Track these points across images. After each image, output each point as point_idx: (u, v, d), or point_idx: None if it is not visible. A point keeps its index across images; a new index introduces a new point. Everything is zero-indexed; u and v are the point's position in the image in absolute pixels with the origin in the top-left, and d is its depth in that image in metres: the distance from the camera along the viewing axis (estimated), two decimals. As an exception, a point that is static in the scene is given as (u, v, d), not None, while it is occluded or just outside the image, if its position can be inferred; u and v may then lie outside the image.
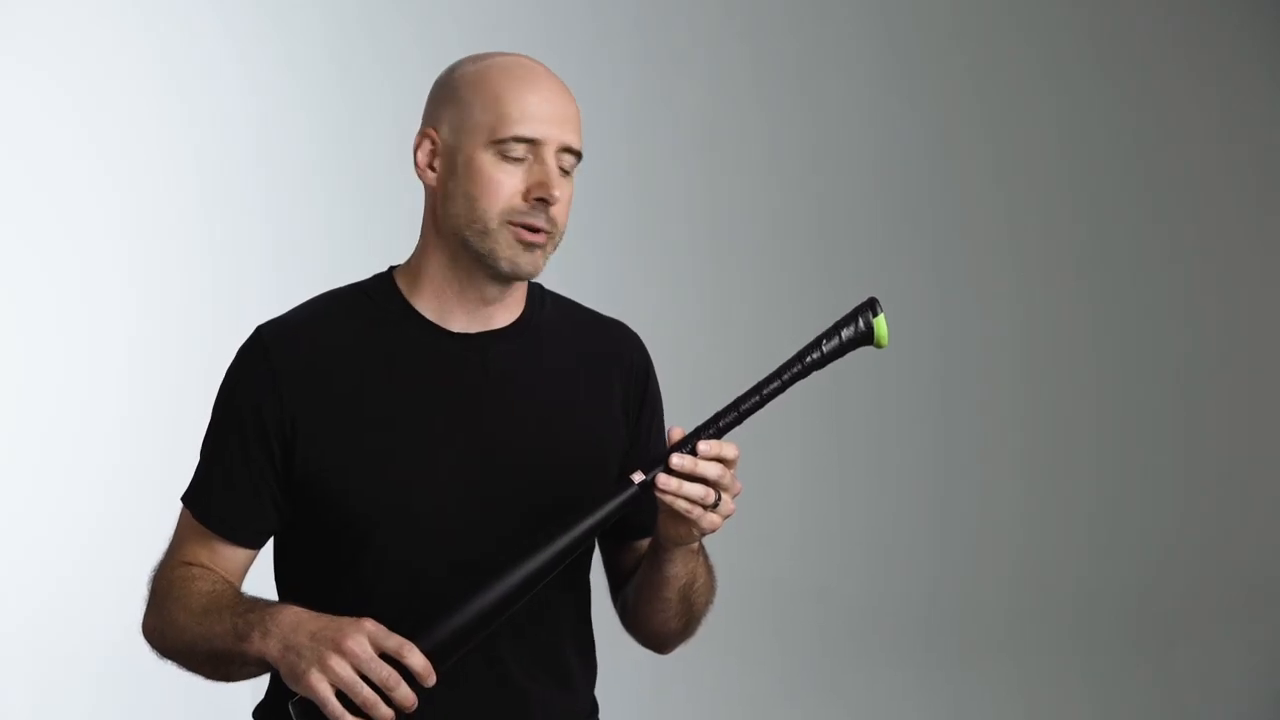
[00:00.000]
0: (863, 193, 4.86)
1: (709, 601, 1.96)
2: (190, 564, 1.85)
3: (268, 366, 1.84)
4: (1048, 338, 5.10)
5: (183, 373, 3.90)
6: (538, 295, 1.96)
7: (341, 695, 1.67)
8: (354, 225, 4.10)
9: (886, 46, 4.91)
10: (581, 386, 1.93)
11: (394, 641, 1.67)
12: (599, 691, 2.01)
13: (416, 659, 1.67)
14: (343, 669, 1.66)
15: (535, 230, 1.81)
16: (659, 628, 1.94)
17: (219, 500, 1.85)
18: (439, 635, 1.70)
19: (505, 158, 1.81)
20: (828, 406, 4.80)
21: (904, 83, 4.93)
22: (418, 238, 1.92)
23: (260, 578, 1.93)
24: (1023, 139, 5.09)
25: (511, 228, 1.81)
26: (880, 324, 1.80)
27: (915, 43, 4.95)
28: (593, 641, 2.00)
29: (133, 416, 3.90)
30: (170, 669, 1.88)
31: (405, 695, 1.67)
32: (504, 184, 1.81)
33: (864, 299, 1.82)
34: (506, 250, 1.82)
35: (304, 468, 1.82)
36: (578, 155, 1.86)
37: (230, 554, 1.86)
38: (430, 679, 1.68)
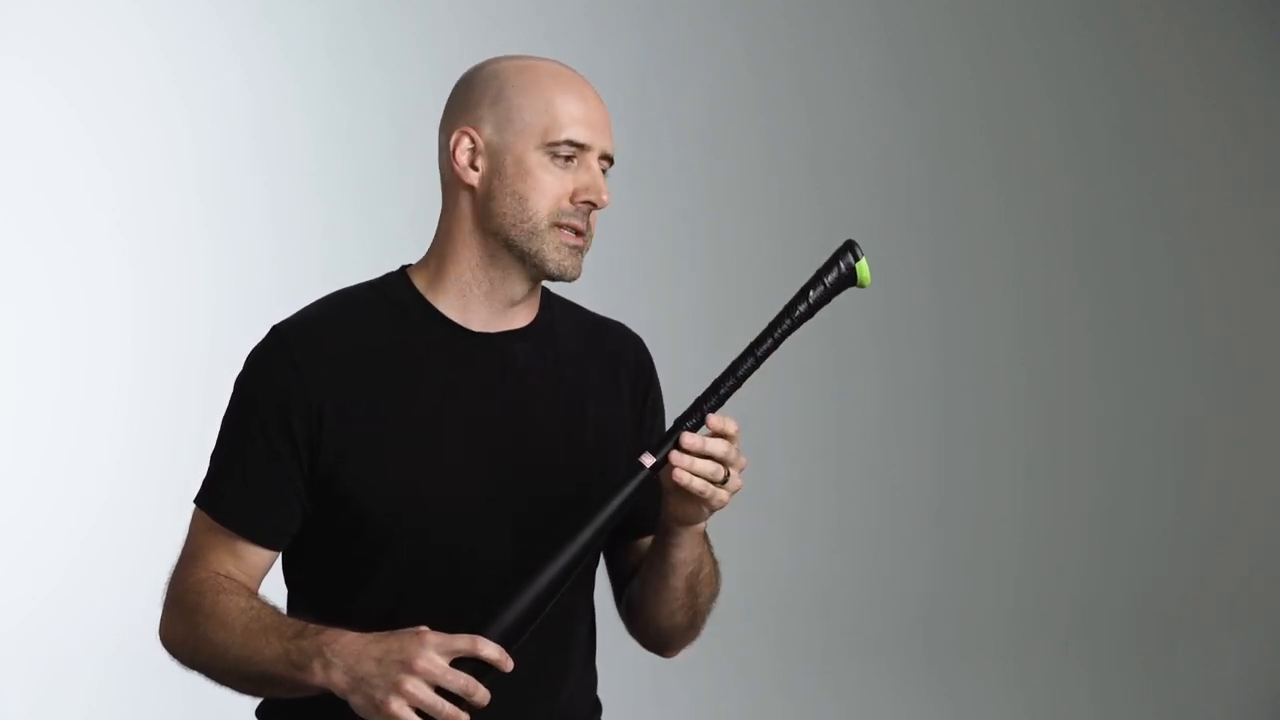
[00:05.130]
0: (863, 193, 4.86)
1: (713, 597, 1.95)
2: (217, 573, 1.83)
3: (291, 364, 1.83)
4: (1048, 337, 5.09)
5: (183, 372, 3.90)
6: (546, 296, 1.97)
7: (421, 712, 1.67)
8: (354, 225, 4.10)
9: (886, 46, 4.91)
10: (594, 386, 1.94)
11: (462, 642, 1.67)
12: (599, 692, 2.02)
13: (491, 649, 1.68)
14: (421, 691, 1.66)
15: (579, 233, 1.86)
16: (664, 621, 1.94)
17: (242, 501, 1.83)
18: (493, 635, 1.70)
19: (555, 159, 1.84)
20: (828, 406, 4.80)
21: (904, 83, 4.93)
22: (433, 237, 1.91)
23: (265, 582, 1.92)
24: (1022, 139, 5.09)
25: (558, 230, 1.85)
26: (862, 266, 1.82)
27: (915, 43, 4.95)
28: (595, 643, 2.00)
29: (133, 415, 3.90)
30: (175, 669, 1.87)
31: (483, 697, 1.68)
32: (554, 185, 1.84)
33: (841, 243, 1.84)
34: (554, 253, 1.85)
35: (328, 465, 1.82)
36: (611, 162, 1.90)
37: (255, 556, 1.85)
38: (508, 664, 1.69)
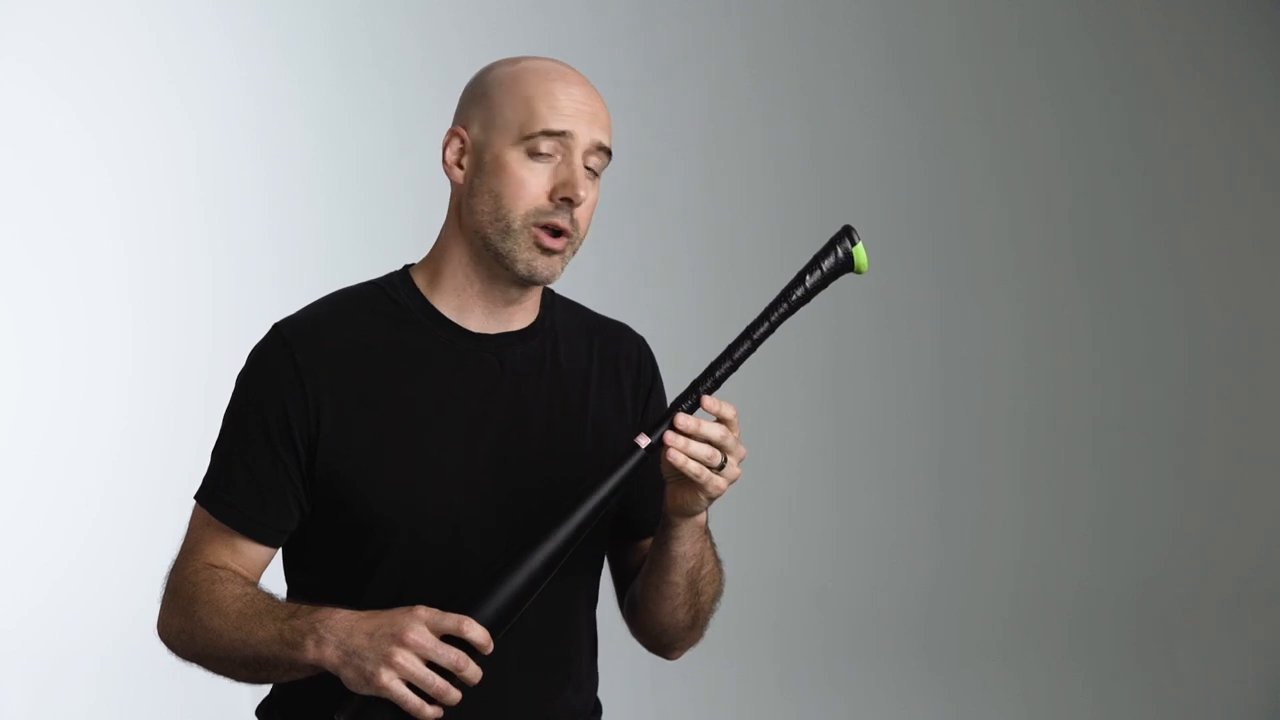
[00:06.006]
0: (863, 193, 4.86)
1: (716, 596, 1.95)
2: (214, 565, 1.83)
3: (292, 363, 1.83)
4: (1048, 338, 5.10)
5: (182, 371, 3.90)
6: (549, 297, 1.97)
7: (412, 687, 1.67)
8: (354, 225, 4.10)
9: (886, 47, 4.91)
10: (594, 387, 1.94)
11: (451, 621, 1.68)
12: (600, 692, 2.02)
13: (477, 631, 1.68)
14: (412, 663, 1.66)
15: (557, 233, 1.82)
16: (666, 619, 1.93)
17: (241, 498, 1.83)
18: (486, 612, 1.70)
19: (533, 155, 1.82)
20: (828, 406, 4.80)
21: (904, 83, 4.93)
22: (436, 236, 1.91)
23: (267, 578, 1.92)
24: (1023, 139, 5.09)
25: (533, 230, 1.81)
26: (859, 251, 1.80)
27: (915, 43, 4.95)
28: (596, 643, 2.00)
29: (133, 414, 3.90)
30: (173, 666, 1.87)
31: (474, 673, 1.68)
32: (530, 182, 1.81)
33: (839, 228, 1.83)
34: (524, 253, 1.82)
35: (327, 465, 1.82)
36: (608, 154, 1.86)
37: (253, 552, 1.85)
38: (489, 648, 1.69)
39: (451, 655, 1.67)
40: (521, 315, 1.91)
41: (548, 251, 1.82)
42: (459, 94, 1.92)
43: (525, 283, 1.85)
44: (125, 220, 3.92)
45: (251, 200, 4.02)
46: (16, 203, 3.82)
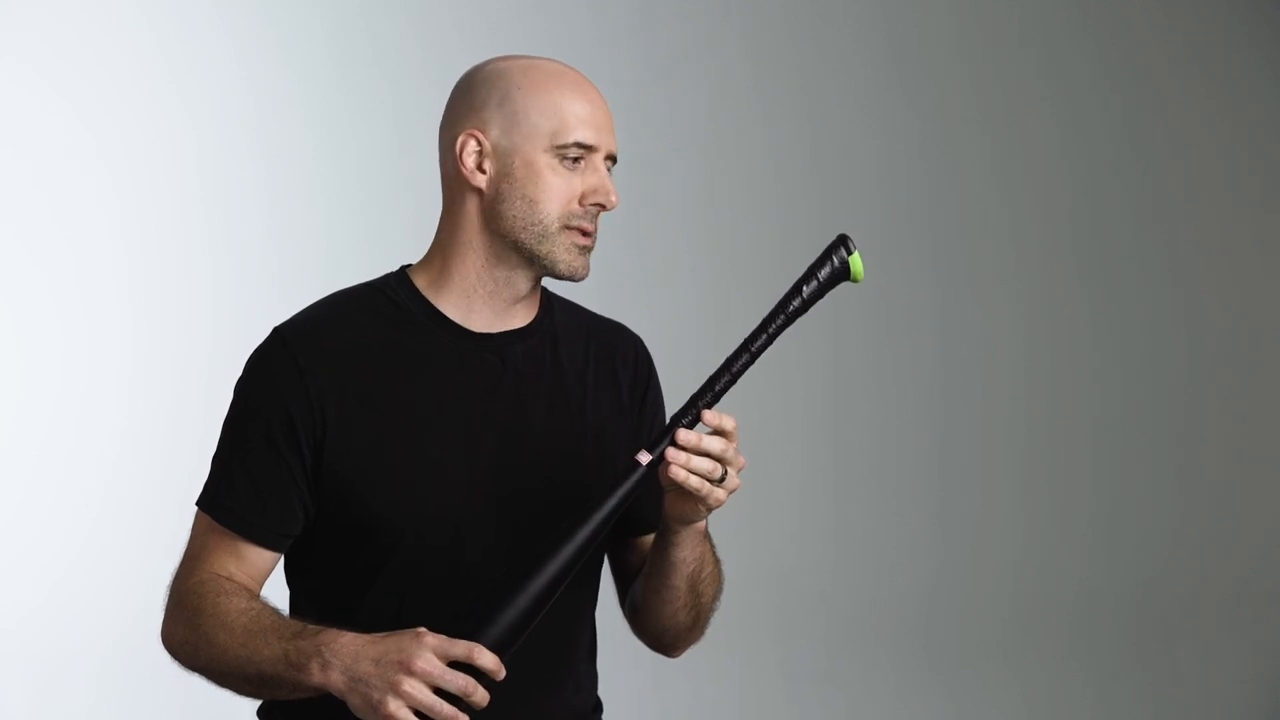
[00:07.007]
0: (863, 193, 4.86)
1: (716, 596, 1.95)
2: (219, 575, 1.82)
3: (294, 365, 1.83)
4: (1048, 338, 5.09)
5: (182, 372, 3.90)
6: (546, 296, 1.97)
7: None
8: (354, 225, 4.10)
9: (886, 47, 4.91)
10: (592, 385, 1.94)
11: (460, 648, 1.67)
12: (600, 691, 2.02)
13: (487, 658, 1.67)
14: (420, 692, 1.65)
15: (587, 233, 1.86)
16: (667, 621, 1.94)
17: (244, 502, 1.83)
18: (493, 635, 1.70)
19: (563, 162, 1.84)
20: (828, 405, 4.80)
21: (904, 83, 4.93)
22: (435, 237, 1.91)
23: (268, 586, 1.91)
24: (1023, 140, 5.09)
25: (568, 231, 1.85)
26: (855, 260, 1.80)
27: (915, 43, 4.95)
28: (596, 642, 2.00)
29: (132, 415, 3.90)
30: (173, 667, 1.86)
31: (482, 697, 1.68)
32: (563, 188, 1.85)
33: (834, 237, 1.82)
34: (564, 254, 1.85)
35: (331, 467, 1.82)
36: (615, 161, 1.90)
37: (256, 557, 1.84)
38: (501, 673, 1.69)
39: (460, 681, 1.66)
40: (523, 313, 1.91)
41: (584, 249, 1.87)
42: (458, 94, 1.92)
43: (560, 280, 1.89)
44: (125, 220, 3.92)
45: (251, 200, 4.02)
46: (16, 203, 3.81)
